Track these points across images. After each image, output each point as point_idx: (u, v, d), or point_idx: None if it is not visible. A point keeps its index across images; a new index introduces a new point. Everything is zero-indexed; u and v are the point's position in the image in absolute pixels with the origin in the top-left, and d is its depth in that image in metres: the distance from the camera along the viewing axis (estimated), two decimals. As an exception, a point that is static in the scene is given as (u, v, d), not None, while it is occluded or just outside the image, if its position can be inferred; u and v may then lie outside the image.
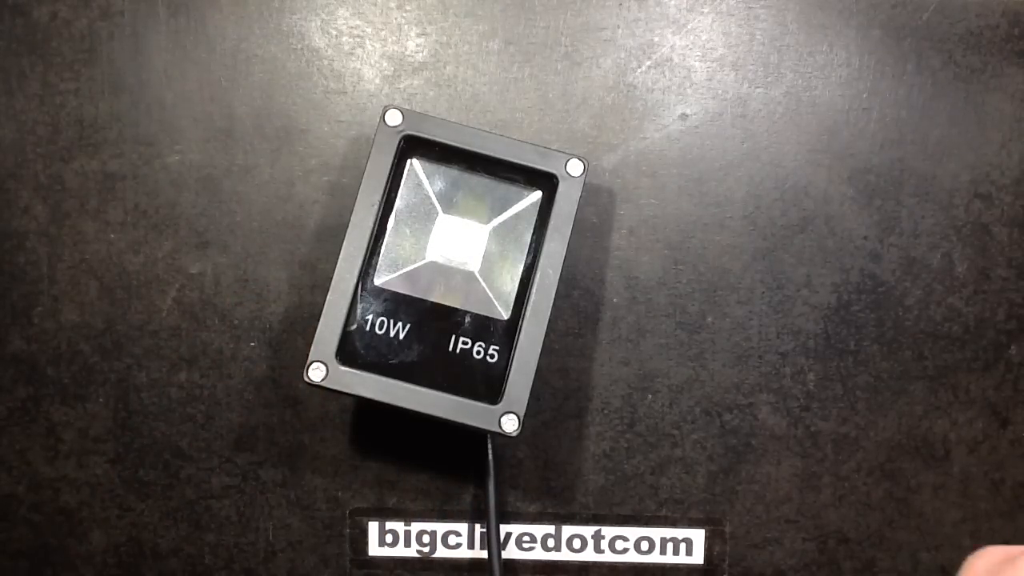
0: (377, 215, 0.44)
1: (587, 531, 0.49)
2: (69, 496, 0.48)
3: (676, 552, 0.49)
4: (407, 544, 0.49)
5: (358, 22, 0.49)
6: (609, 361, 0.49)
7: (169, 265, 0.48)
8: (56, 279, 0.48)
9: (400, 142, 0.44)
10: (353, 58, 0.49)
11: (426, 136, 0.45)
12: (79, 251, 0.48)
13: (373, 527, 0.49)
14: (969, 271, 0.50)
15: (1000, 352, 0.49)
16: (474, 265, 0.45)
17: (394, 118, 0.44)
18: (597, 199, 0.49)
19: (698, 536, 0.49)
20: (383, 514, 0.49)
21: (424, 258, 0.45)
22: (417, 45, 0.49)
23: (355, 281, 0.43)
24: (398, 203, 0.45)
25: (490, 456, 0.46)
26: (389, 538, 0.49)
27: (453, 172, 0.45)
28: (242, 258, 0.49)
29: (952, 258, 0.50)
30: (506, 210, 0.45)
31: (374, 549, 0.49)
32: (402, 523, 0.49)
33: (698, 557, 0.49)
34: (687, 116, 0.50)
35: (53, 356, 0.48)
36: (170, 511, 0.48)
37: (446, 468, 0.49)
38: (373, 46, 0.49)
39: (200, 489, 0.48)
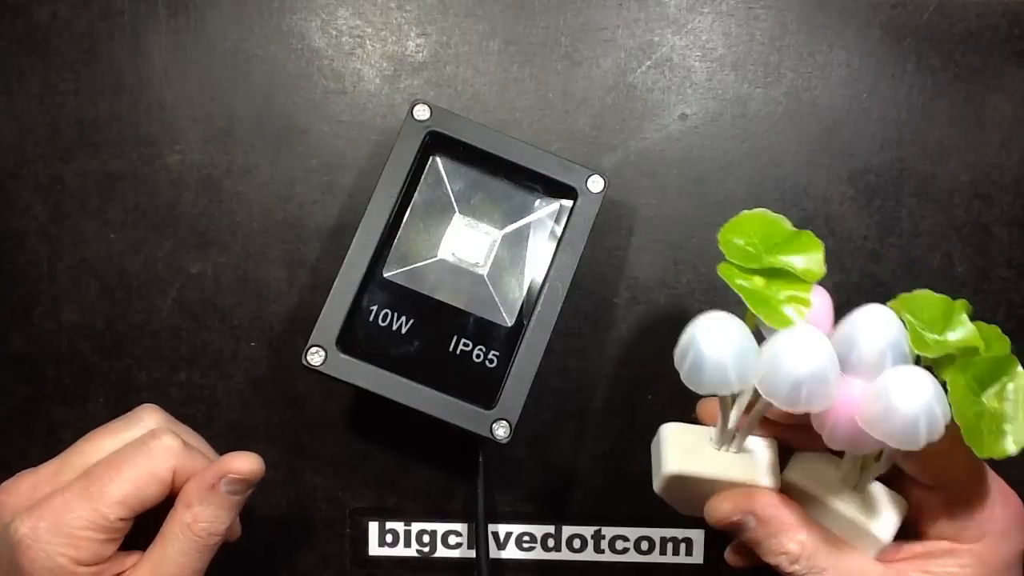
0: (393, 207, 0.44)
1: (587, 531, 0.49)
2: (69, 496, 0.48)
3: (676, 552, 0.49)
4: (407, 544, 0.49)
5: (358, 22, 0.49)
6: (609, 361, 0.49)
7: (169, 265, 0.48)
8: (56, 279, 0.48)
9: (425, 137, 0.44)
10: (353, 58, 0.49)
11: (451, 134, 0.44)
12: (79, 251, 0.48)
13: (373, 527, 0.49)
14: (969, 271, 0.50)
15: (1000, 352, 0.49)
16: (483, 268, 0.45)
17: (422, 113, 0.44)
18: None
19: (698, 536, 0.49)
20: (383, 514, 0.49)
21: (435, 256, 0.45)
22: (417, 45, 0.49)
23: (364, 270, 0.43)
24: (416, 198, 0.45)
25: (480, 460, 0.46)
26: (389, 538, 0.49)
27: (474, 173, 0.45)
28: (242, 258, 0.49)
29: (952, 258, 0.50)
30: (521, 217, 0.45)
31: (374, 549, 0.49)
32: (402, 523, 0.49)
33: (698, 557, 0.49)
34: (687, 116, 0.50)
35: (53, 356, 0.48)
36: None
37: (446, 468, 0.49)
38: (373, 46, 0.49)
39: (200, 489, 0.48)
